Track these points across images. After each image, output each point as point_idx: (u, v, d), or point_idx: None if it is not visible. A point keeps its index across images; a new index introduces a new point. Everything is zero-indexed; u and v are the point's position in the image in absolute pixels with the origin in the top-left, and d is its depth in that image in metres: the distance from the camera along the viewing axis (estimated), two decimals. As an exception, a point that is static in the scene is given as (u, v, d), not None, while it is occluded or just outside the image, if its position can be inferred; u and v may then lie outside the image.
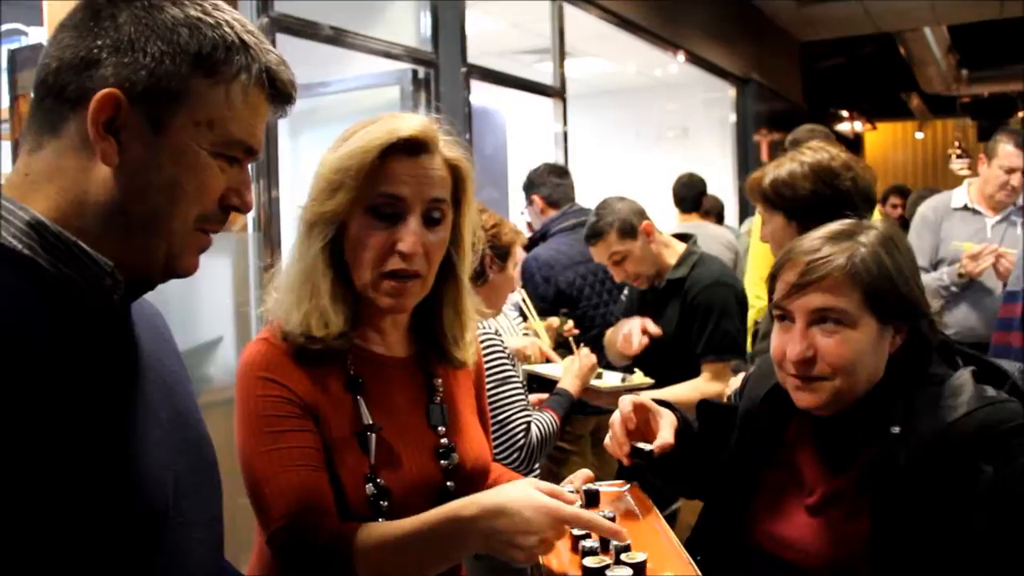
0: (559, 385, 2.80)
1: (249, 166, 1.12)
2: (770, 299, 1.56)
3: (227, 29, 1.03)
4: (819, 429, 1.57)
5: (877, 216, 4.70)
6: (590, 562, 1.27)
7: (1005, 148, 4.07)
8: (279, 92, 1.09)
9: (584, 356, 2.90)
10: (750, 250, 4.78)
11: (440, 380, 1.62)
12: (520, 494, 1.30)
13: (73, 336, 0.95)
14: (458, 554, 1.40)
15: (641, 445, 1.58)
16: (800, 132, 4.04)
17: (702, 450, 1.69)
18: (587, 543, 1.34)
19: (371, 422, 1.48)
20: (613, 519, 1.39)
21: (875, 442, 1.48)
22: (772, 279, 1.55)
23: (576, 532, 1.39)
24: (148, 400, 1.05)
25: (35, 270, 0.95)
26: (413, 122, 1.46)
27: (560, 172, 4.42)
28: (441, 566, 1.41)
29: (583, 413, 3.48)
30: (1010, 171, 4.06)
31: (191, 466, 1.10)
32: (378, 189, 1.43)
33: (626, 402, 1.63)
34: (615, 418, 1.62)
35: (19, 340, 0.89)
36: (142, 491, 0.98)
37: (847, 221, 1.56)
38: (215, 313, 3.42)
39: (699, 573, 1.26)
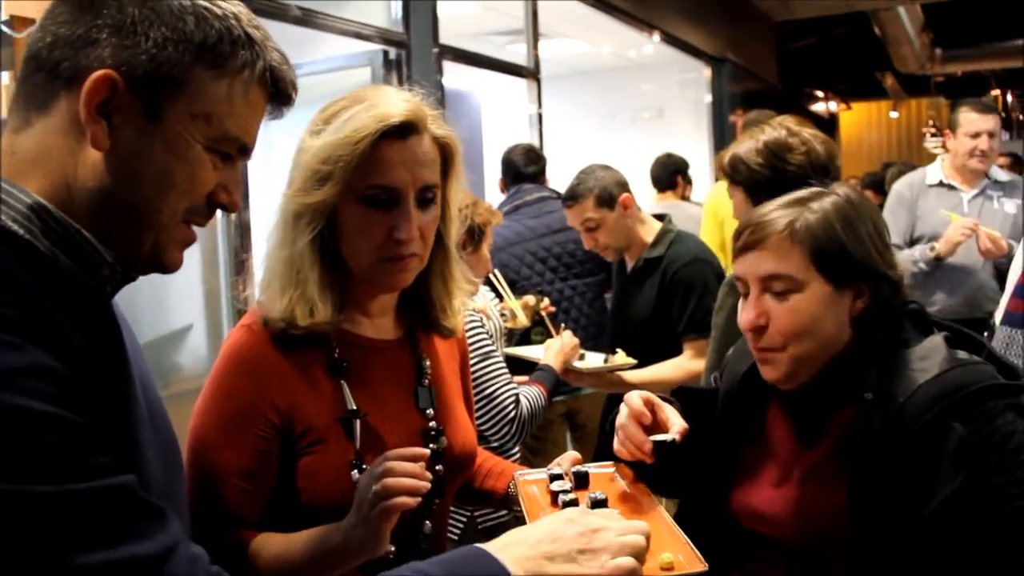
0: (542, 362, 2.77)
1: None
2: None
3: (233, 22, 1.00)
4: (792, 401, 1.55)
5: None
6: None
7: (968, 116, 4.08)
8: (279, 92, 1.06)
9: (568, 337, 2.87)
10: (702, 221, 4.76)
11: (428, 362, 1.59)
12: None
13: (69, 324, 0.92)
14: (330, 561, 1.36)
15: (659, 437, 1.51)
16: (751, 115, 4.10)
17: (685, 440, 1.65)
18: (566, 497, 1.38)
19: (355, 407, 1.45)
20: (604, 501, 1.36)
21: (848, 410, 1.47)
22: (733, 246, 1.55)
23: (555, 487, 1.43)
24: (137, 396, 1.02)
25: (34, 255, 0.92)
26: (401, 105, 1.41)
27: (527, 154, 4.32)
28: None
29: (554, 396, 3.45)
30: (975, 135, 4.06)
31: (165, 465, 1.07)
32: (370, 180, 1.40)
33: (635, 398, 1.55)
34: (625, 419, 1.54)
35: (34, 322, 0.86)
36: (145, 491, 0.96)
37: (810, 189, 1.54)
38: (184, 301, 3.36)
39: (698, 553, 1.23)
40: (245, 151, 1.05)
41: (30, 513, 0.79)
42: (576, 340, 2.90)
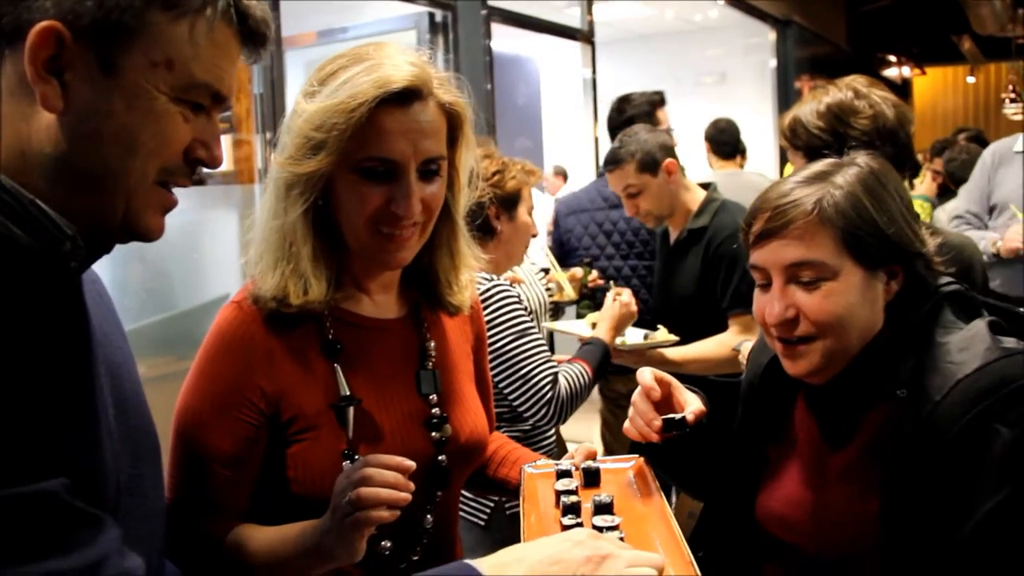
0: (592, 334, 2.61)
1: (220, 116, 1.00)
2: (747, 255, 1.42)
3: None
4: (820, 396, 1.42)
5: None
6: (568, 520, 1.22)
7: None
8: (250, 30, 0.97)
9: (623, 302, 2.65)
10: None
11: (433, 343, 1.49)
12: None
13: (23, 308, 0.85)
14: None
15: (672, 416, 1.42)
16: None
17: (711, 437, 1.52)
18: (567, 499, 1.27)
19: (348, 393, 1.36)
20: (610, 505, 1.25)
21: (881, 408, 1.33)
22: (744, 233, 1.41)
23: (559, 487, 1.33)
24: (98, 384, 0.94)
25: None
26: (404, 68, 1.29)
27: (617, 103, 4.03)
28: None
29: (617, 372, 3.25)
30: None
31: (134, 457, 1.00)
32: (367, 151, 1.29)
33: (646, 373, 1.46)
34: (636, 395, 1.45)
35: None
36: (97, 487, 0.89)
37: (829, 160, 1.40)
38: (221, 269, 3.30)
39: (697, 571, 1.11)
40: (219, 99, 0.96)
41: None
42: (632, 305, 2.67)
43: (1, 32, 0.86)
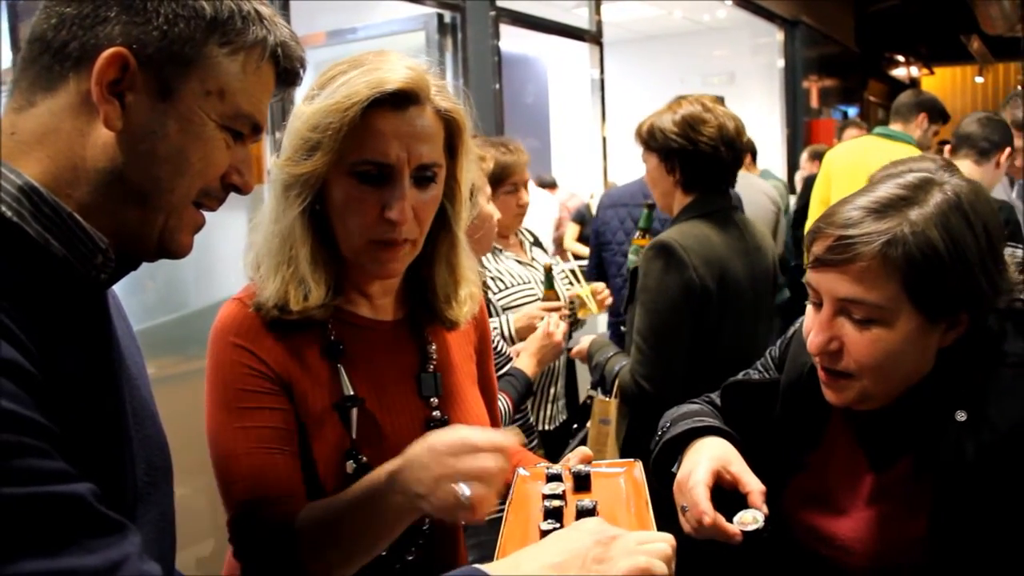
0: (513, 365, 2.43)
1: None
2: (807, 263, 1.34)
3: None
4: (869, 413, 1.35)
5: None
6: (547, 525, 1.19)
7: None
8: (288, 70, 1.05)
9: (548, 332, 2.46)
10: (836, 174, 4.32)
11: (434, 346, 1.49)
12: (418, 445, 1.19)
13: (54, 315, 0.89)
14: (386, 523, 1.24)
15: (747, 528, 1.33)
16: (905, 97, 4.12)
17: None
18: (549, 504, 1.25)
19: (351, 393, 1.36)
20: (592, 510, 1.22)
21: (933, 430, 1.26)
22: (807, 247, 1.32)
23: (546, 490, 1.30)
24: (123, 393, 0.99)
25: (20, 239, 0.89)
26: (399, 72, 1.30)
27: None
28: (377, 539, 1.27)
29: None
30: None
31: (148, 465, 1.03)
32: (362, 153, 1.29)
33: (702, 471, 1.38)
34: (697, 493, 1.36)
35: (12, 317, 0.82)
36: (117, 493, 0.93)
37: (911, 178, 1.26)
38: (232, 270, 3.31)
39: None
40: (257, 130, 1.03)
41: None
42: (555, 336, 2.46)
43: (69, 55, 0.91)
